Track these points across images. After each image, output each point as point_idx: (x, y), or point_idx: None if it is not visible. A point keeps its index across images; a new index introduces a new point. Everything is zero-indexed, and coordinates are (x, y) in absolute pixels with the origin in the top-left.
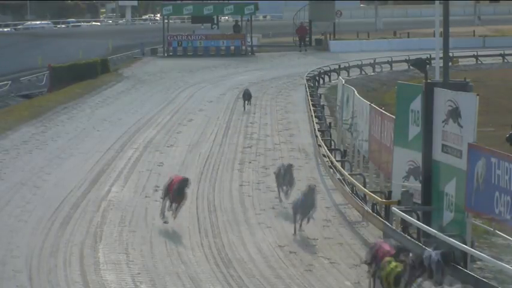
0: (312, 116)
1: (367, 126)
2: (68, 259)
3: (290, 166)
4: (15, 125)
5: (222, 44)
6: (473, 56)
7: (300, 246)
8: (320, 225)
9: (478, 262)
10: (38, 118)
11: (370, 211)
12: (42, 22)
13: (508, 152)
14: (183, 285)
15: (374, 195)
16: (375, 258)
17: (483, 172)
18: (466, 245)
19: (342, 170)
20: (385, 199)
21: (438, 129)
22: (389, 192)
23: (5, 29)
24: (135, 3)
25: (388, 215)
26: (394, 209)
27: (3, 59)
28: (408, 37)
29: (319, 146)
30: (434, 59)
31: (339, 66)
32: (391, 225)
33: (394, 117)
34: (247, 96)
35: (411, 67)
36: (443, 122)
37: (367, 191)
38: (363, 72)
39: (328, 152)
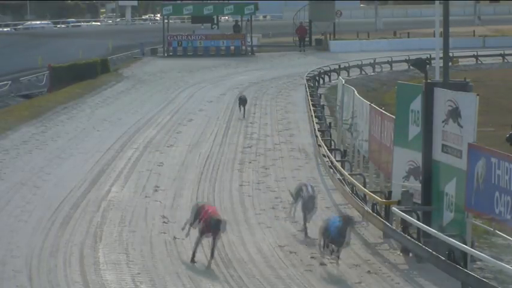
0: (312, 116)
1: (367, 126)
2: (68, 259)
3: (314, 196)
4: (15, 125)
5: (222, 44)
6: (473, 56)
7: (300, 246)
8: (320, 225)
9: (478, 262)
10: (38, 118)
11: (370, 211)
12: (42, 22)
13: (508, 152)
14: (183, 285)
15: (374, 195)
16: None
17: (483, 172)
18: (466, 245)
19: (342, 170)
20: (385, 199)
21: (438, 129)
22: (390, 192)
23: (5, 29)
24: (135, 3)
25: (388, 215)
26: (394, 209)
27: (3, 59)
28: (408, 37)
29: (319, 146)
30: (434, 59)
31: (339, 66)
32: (391, 225)
33: (394, 117)
34: (242, 101)
35: (411, 67)
36: (443, 122)
37: (367, 191)
38: (363, 72)
39: (328, 152)
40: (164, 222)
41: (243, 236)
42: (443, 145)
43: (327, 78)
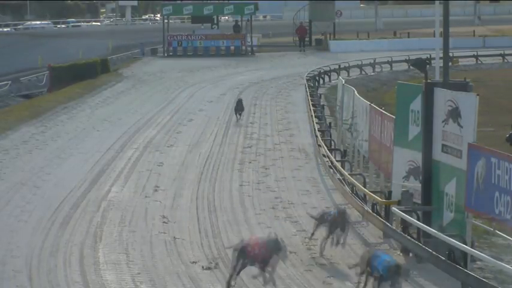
0: (312, 116)
1: (367, 126)
2: (68, 259)
3: (344, 214)
4: (15, 125)
5: (222, 44)
6: (473, 56)
7: (300, 246)
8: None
9: (478, 262)
10: (38, 118)
11: (370, 211)
12: (42, 22)
13: (508, 152)
14: (183, 285)
15: (374, 195)
16: None
17: (483, 172)
18: (466, 245)
19: (342, 170)
20: (385, 199)
21: (438, 129)
22: (390, 192)
23: (5, 29)
24: (135, 3)
25: (388, 215)
26: (394, 209)
27: (3, 59)
28: (408, 37)
29: (319, 146)
30: (434, 59)
31: (339, 66)
32: (391, 225)
33: (394, 117)
34: (239, 107)
35: (411, 67)
36: (443, 122)
37: (367, 191)
38: (363, 72)
39: (328, 152)
40: (164, 222)
41: (243, 236)
42: (443, 145)
43: (327, 78)
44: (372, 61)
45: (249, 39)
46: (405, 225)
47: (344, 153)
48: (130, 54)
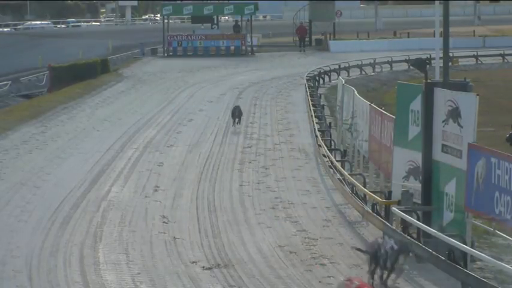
0: (312, 116)
1: (367, 126)
2: (68, 259)
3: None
4: (15, 125)
5: (222, 44)
6: (473, 56)
7: (300, 246)
8: (320, 225)
9: (478, 262)
10: (38, 118)
11: (370, 211)
12: (42, 22)
13: (508, 152)
14: (183, 285)
15: (374, 195)
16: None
17: (483, 172)
18: (466, 245)
19: (342, 170)
20: (385, 199)
21: (438, 129)
22: (390, 192)
23: (5, 29)
24: (135, 3)
25: (388, 215)
26: (394, 209)
27: (3, 59)
28: (408, 37)
29: (319, 146)
30: (434, 59)
31: (339, 66)
32: (391, 225)
33: (394, 117)
34: (237, 113)
35: (411, 67)
36: (443, 122)
37: (367, 191)
38: (363, 72)
39: (328, 152)
40: (164, 222)
41: (243, 236)
42: (443, 145)
43: (327, 78)
44: (372, 61)
45: (249, 39)
46: (405, 225)
47: (344, 153)
48: (131, 54)
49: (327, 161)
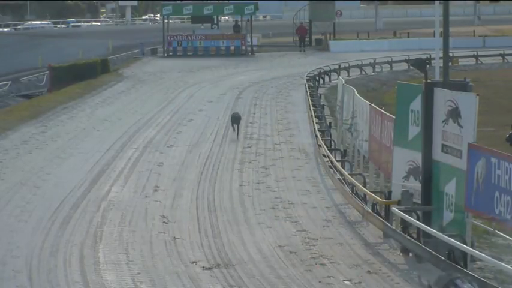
0: (312, 116)
1: (367, 126)
2: (68, 259)
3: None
4: (15, 125)
5: (222, 44)
6: (473, 56)
7: (300, 246)
8: (320, 225)
9: (478, 262)
10: (38, 118)
11: (370, 211)
12: (42, 22)
13: (508, 152)
14: (183, 285)
15: (374, 195)
16: None
17: (483, 172)
18: (466, 245)
19: (342, 170)
20: (385, 199)
21: (438, 129)
22: (389, 192)
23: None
24: (135, 3)
25: (388, 215)
26: (394, 209)
27: (3, 59)
28: (408, 37)
29: (319, 146)
30: (434, 59)
31: (339, 66)
32: (391, 225)
33: (394, 117)
34: (236, 120)
35: (411, 67)
36: (443, 122)
37: (367, 191)
38: (363, 72)
39: (328, 152)
40: (164, 222)
41: (243, 236)
42: (443, 145)
43: (327, 78)
44: (372, 61)
45: (249, 39)
46: (405, 225)
47: (344, 153)
48: (131, 54)
49: (327, 161)
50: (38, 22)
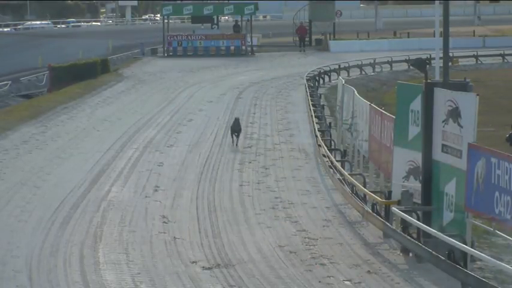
0: (312, 116)
1: (367, 126)
2: (68, 259)
3: None
4: (15, 125)
5: (222, 44)
6: (473, 56)
7: (300, 246)
8: (320, 225)
9: (478, 262)
10: (38, 118)
11: (370, 211)
12: (42, 22)
13: (508, 152)
14: (183, 285)
15: (374, 195)
16: None
17: (483, 172)
18: (466, 245)
19: (342, 170)
20: (385, 199)
21: (438, 129)
22: (389, 192)
23: (5, 29)
24: (135, 3)
25: (388, 215)
26: (394, 209)
27: (3, 59)
28: (408, 37)
29: (319, 146)
30: (434, 59)
31: (339, 66)
32: (391, 225)
33: (394, 117)
34: (236, 129)
35: (411, 67)
36: (443, 122)
37: (367, 191)
38: (363, 72)
39: (328, 152)
40: (164, 222)
41: (243, 236)
42: (443, 145)
43: (327, 78)
44: (372, 61)
45: (249, 39)
46: (405, 225)
47: (344, 153)
48: (131, 54)
49: (327, 161)
50: (38, 22)
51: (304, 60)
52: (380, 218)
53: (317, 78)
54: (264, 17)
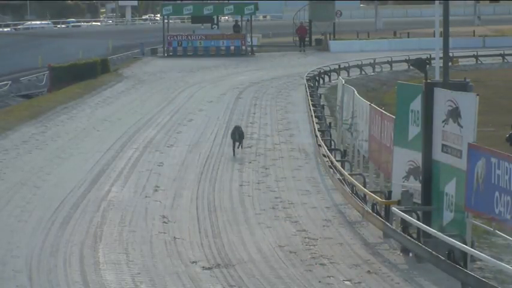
0: (312, 116)
1: (367, 126)
2: (68, 259)
3: None
4: (15, 125)
5: (222, 44)
6: (473, 56)
7: (300, 246)
8: (320, 225)
9: (478, 262)
10: (38, 118)
11: (370, 211)
12: (42, 22)
13: (508, 152)
14: (183, 285)
15: (374, 195)
16: None
17: (483, 172)
18: (466, 245)
19: (342, 170)
20: (385, 199)
21: (438, 129)
22: (389, 192)
23: (5, 29)
24: (135, 3)
25: (388, 215)
26: (394, 209)
27: (3, 59)
28: (408, 37)
29: (319, 146)
30: (434, 59)
31: (339, 66)
32: (391, 225)
33: (394, 117)
34: (238, 136)
35: (411, 67)
36: (443, 122)
37: (367, 191)
38: (363, 72)
39: (328, 152)
40: (164, 222)
41: (243, 236)
42: (443, 145)
43: (327, 78)
44: (372, 61)
45: (249, 39)
46: (405, 225)
47: (344, 153)
48: (130, 54)
49: (327, 161)
50: (38, 22)
51: (304, 60)
52: (380, 218)
53: (317, 78)
54: (264, 17)
